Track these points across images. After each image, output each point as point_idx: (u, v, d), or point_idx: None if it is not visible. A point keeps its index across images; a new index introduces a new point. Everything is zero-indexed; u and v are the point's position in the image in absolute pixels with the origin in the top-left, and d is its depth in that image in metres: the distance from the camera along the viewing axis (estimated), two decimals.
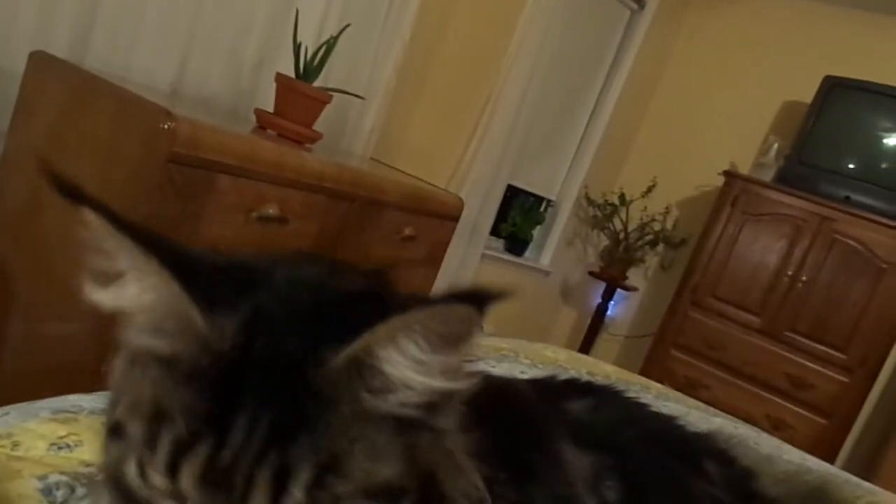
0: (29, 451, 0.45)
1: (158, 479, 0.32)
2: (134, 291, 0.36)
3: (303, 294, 0.37)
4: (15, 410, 0.50)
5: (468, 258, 2.81)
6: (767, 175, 2.96)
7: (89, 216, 0.34)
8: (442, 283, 2.49)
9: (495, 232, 3.13)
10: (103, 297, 0.36)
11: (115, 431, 0.35)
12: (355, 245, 1.65)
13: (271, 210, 1.35)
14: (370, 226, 1.66)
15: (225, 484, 0.32)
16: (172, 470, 0.32)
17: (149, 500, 0.33)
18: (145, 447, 0.33)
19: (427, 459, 0.35)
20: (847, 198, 2.75)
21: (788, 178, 2.89)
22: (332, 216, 1.52)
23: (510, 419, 0.41)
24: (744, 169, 3.10)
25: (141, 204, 1.13)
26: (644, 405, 0.64)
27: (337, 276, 0.41)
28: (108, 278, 0.36)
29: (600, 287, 3.44)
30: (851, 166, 2.84)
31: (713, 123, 3.37)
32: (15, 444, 0.46)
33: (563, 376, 0.65)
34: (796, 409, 2.78)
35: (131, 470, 0.34)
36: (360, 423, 0.33)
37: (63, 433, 0.47)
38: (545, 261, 3.45)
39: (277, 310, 0.35)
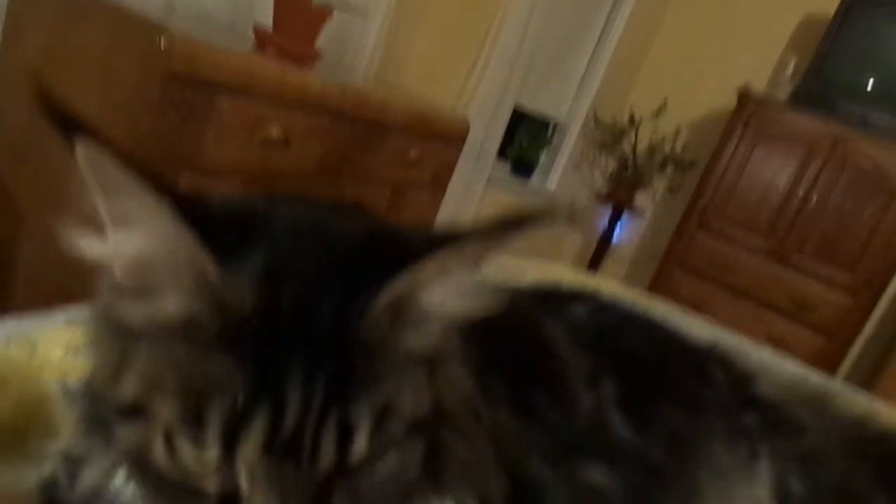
0: (47, 356, 0.46)
1: (211, 454, 0.31)
2: (136, 241, 0.32)
3: (311, 240, 0.35)
4: (31, 319, 0.51)
5: (474, 181, 2.78)
6: (783, 95, 2.87)
7: (89, 150, 0.29)
8: (448, 206, 2.48)
9: (502, 155, 3.09)
10: (95, 246, 0.32)
11: (131, 413, 0.33)
12: (360, 168, 1.63)
13: (274, 131, 1.33)
14: (375, 148, 1.64)
15: (291, 449, 0.31)
16: (229, 445, 0.30)
17: (182, 480, 0.32)
18: (187, 425, 0.31)
19: (441, 384, 0.36)
20: (864, 118, 2.68)
21: (804, 97, 2.80)
22: (335, 138, 1.50)
23: (506, 321, 0.41)
24: (759, 89, 3.00)
25: (140, 124, 1.12)
26: (647, 315, 0.65)
27: (331, 218, 0.39)
28: (102, 224, 0.32)
29: (607, 211, 3.42)
30: (871, 85, 2.73)
31: (728, 41, 3.24)
32: (33, 349, 0.47)
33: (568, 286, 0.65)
34: (798, 328, 2.81)
35: (160, 451, 0.32)
36: (403, 364, 0.33)
37: (78, 339, 0.48)
38: (552, 184, 3.42)
39: (292, 260, 0.33)
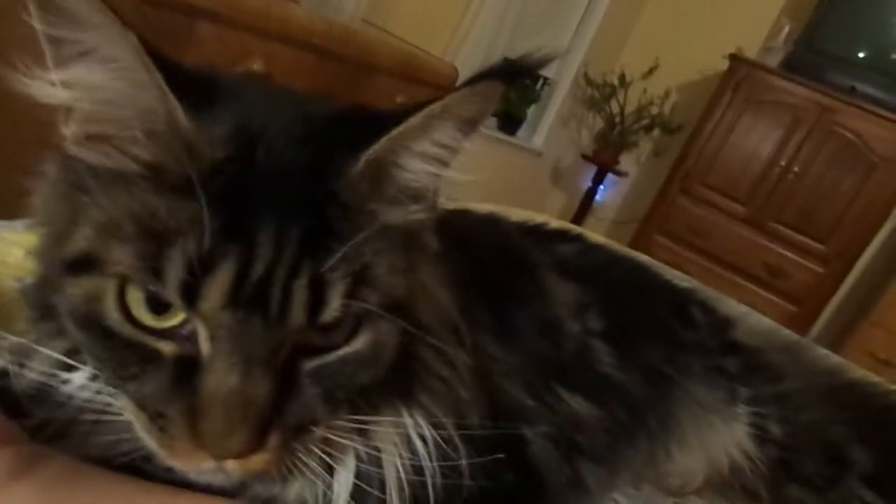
0: (6, 258, 0.45)
1: (173, 307, 0.28)
2: (97, 78, 0.29)
3: (287, 105, 0.34)
4: None
5: None
6: (774, 60, 2.85)
7: None
8: None
9: None
10: (50, 88, 0.29)
11: (81, 265, 0.30)
12: None
13: (256, 65, 1.28)
14: (361, 90, 1.59)
15: (259, 299, 0.28)
16: (189, 294, 0.28)
17: (135, 341, 0.29)
18: (144, 271, 0.28)
19: (415, 280, 0.35)
20: (852, 88, 2.67)
21: (795, 64, 2.78)
22: (320, 76, 1.45)
23: (491, 248, 0.39)
24: (751, 53, 2.97)
25: None
26: (632, 257, 0.64)
27: (306, 96, 0.38)
28: (55, 62, 0.29)
29: (591, 171, 3.41)
30: (862, 55, 2.72)
31: (723, 4, 3.18)
32: None
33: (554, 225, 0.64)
34: (768, 295, 2.86)
35: (111, 307, 0.29)
36: (380, 234, 0.32)
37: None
38: (538, 141, 3.38)
39: (268, 118, 0.31)
